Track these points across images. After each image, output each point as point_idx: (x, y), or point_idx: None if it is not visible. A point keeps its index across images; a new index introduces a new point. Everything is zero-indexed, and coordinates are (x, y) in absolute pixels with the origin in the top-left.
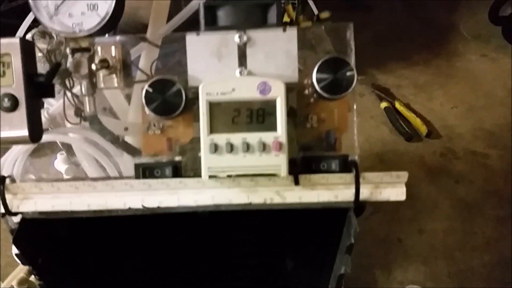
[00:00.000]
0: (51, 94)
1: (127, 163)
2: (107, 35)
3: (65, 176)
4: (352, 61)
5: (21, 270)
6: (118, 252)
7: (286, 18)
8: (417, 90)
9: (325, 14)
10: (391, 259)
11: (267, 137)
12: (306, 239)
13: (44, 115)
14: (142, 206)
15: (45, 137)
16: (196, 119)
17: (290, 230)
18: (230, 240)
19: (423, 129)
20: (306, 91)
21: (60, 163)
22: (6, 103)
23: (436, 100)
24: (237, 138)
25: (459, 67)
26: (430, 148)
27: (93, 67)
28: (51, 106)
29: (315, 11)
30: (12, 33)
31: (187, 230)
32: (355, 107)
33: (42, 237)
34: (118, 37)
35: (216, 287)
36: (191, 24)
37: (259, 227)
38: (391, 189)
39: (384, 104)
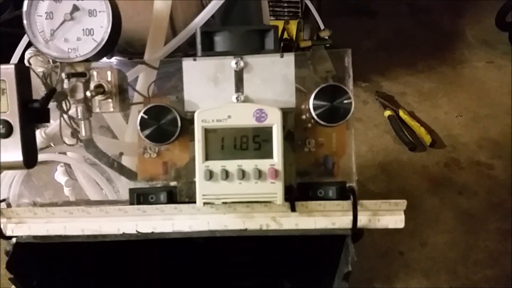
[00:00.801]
0: (46, 119)
1: (125, 185)
2: (103, 58)
3: (65, 188)
4: (350, 87)
5: None
6: (112, 275)
7: (285, 35)
8: (422, 97)
9: (325, 33)
10: (392, 273)
11: (263, 164)
12: (303, 262)
13: (41, 135)
14: (136, 231)
15: (43, 157)
16: (192, 143)
17: (286, 253)
18: (225, 262)
19: (427, 139)
20: (304, 116)
21: (60, 175)
22: (1, 129)
23: (440, 108)
24: (232, 165)
25: (464, 74)
26: (434, 158)
27: (88, 94)
28: (49, 125)
29: (321, 26)
30: (15, 42)
31: (182, 253)
32: (353, 131)
33: (37, 260)
34: (114, 62)
35: None
36: (190, 45)
37: (255, 250)
38: (389, 216)
39: (388, 113)
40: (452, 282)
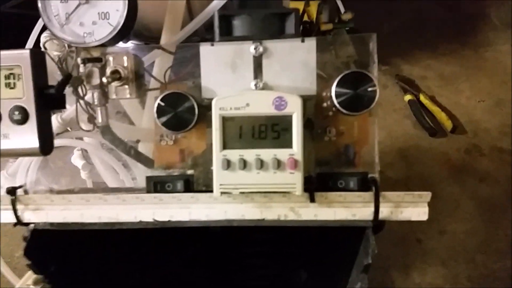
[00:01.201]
0: (62, 105)
1: (142, 172)
2: (119, 43)
3: (82, 172)
4: (375, 74)
5: None
6: (128, 263)
7: (305, 18)
8: (443, 82)
9: (347, 15)
10: (409, 261)
11: (282, 154)
12: (321, 253)
13: (57, 120)
14: (153, 219)
15: (59, 142)
16: (210, 130)
17: (304, 244)
18: (242, 253)
19: (448, 124)
20: (325, 104)
21: (77, 158)
22: (17, 116)
23: (462, 93)
24: (250, 154)
25: (487, 58)
26: (454, 144)
27: (104, 80)
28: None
29: (342, 9)
30: (30, 24)
31: (198, 242)
32: (376, 120)
33: (54, 246)
34: (130, 46)
35: None
36: (208, 29)
37: (272, 241)
38: (412, 208)
39: (408, 97)
40: (471, 271)
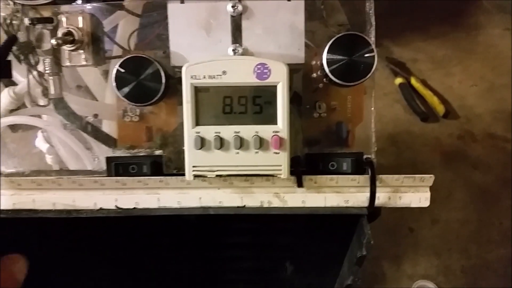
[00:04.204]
0: (7, 74)
1: (105, 152)
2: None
3: (47, 156)
4: (372, 38)
5: None
6: (93, 253)
7: None
8: (435, 65)
9: None
10: (401, 251)
11: (265, 131)
12: (308, 244)
13: (10, 94)
14: (116, 207)
15: (11, 119)
16: (181, 103)
17: (289, 234)
18: (220, 244)
19: (440, 109)
20: (314, 74)
21: (41, 141)
22: None
23: (454, 77)
24: (228, 131)
25: (480, 41)
26: (446, 130)
27: (53, 42)
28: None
29: None
30: None
31: (171, 232)
32: (373, 93)
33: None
34: (88, 5)
35: None
36: None
37: (254, 230)
38: (412, 193)
39: (399, 80)
40: (464, 261)
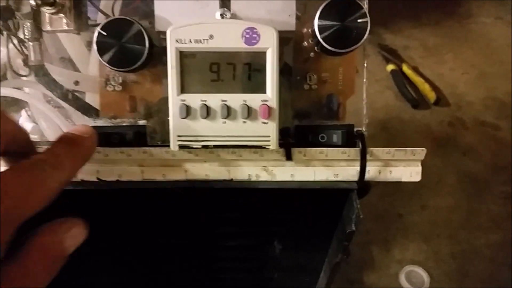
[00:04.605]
0: None
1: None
2: None
3: (32, 136)
4: (365, 5)
5: None
6: None
7: None
8: (426, 52)
9: None
10: (390, 236)
11: (254, 100)
12: (296, 220)
13: None
14: (98, 179)
15: None
16: (166, 73)
17: (277, 210)
18: (207, 220)
19: (431, 96)
20: (305, 43)
21: (25, 121)
22: None
23: (445, 65)
24: (215, 100)
25: (471, 29)
26: (437, 117)
27: (33, 2)
28: None
29: None
30: None
31: (156, 207)
32: (365, 64)
33: None
34: None
35: (194, 269)
36: None
37: (242, 206)
38: (403, 168)
39: (390, 67)
40: (453, 247)
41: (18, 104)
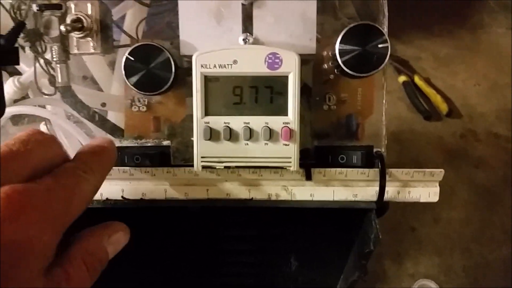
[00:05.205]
0: (14, 61)
1: None
2: None
3: None
4: (386, 29)
5: None
6: None
7: None
8: (438, 63)
9: None
10: (402, 249)
11: (275, 122)
12: (313, 237)
13: (14, 83)
14: (122, 197)
15: (16, 109)
16: (190, 94)
17: (294, 227)
18: (222, 236)
19: (443, 107)
20: (325, 65)
21: None
22: None
23: (458, 76)
24: (238, 122)
25: (484, 40)
26: (450, 129)
27: (62, 28)
28: (23, 72)
29: None
30: None
31: (175, 223)
32: (385, 85)
33: None
34: None
35: (209, 285)
36: None
37: (258, 223)
38: (422, 188)
39: (402, 78)
40: (466, 261)
41: (37, 120)
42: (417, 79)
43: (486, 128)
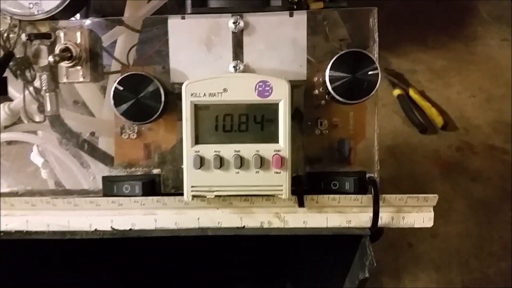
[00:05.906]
0: (2, 91)
1: (102, 171)
2: (77, 16)
3: (42, 171)
4: (376, 55)
5: None
6: (86, 275)
7: None
8: (433, 76)
9: None
10: (400, 265)
11: (266, 150)
12: (308, 263)
13: (5, 110)
14: (112, 228)
15: (8, 136)
16: (181, 118)
17: (289, 253)
18: (218, 263)
19: (438, 120)
20: (316, 91)
21: (36, 156)
22: None
23: (452, 88)
24: (228, 150)
25: (478, 52)
26: (445, 141)
27: (51, 59)
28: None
29: None
30: None
31: (167, 251)
32: (376, 111)
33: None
34: (86, 21)
35: None
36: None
37: (254, 249)
38: (416, 213)
39: (397, 92)
40: (464, 276)
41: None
42: (412, 92)
43: (482, 140)
